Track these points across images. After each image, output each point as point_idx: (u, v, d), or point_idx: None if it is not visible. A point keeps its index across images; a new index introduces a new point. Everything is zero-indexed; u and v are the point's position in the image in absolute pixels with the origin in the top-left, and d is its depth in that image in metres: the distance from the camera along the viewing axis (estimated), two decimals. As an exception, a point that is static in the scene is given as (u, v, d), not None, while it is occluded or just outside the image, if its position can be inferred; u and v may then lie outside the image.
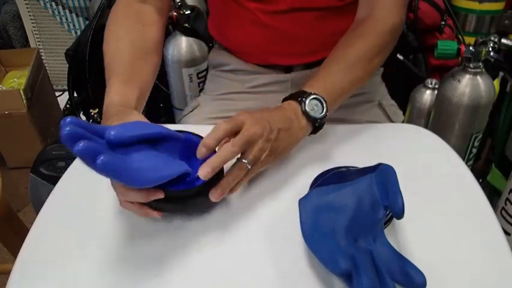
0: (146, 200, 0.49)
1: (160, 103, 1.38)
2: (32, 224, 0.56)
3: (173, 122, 1.30)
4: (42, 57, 2.00)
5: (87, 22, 2.03)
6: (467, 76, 0.98)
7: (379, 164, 0.52)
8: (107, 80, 0.62)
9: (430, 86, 1.12)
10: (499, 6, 1.45)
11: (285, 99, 0.62)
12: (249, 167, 0.53)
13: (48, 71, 1.96)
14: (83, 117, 1.51)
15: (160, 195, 0.49)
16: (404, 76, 1.22)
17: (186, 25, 1.16)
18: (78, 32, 2.07)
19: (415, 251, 0.50)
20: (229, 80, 0.86)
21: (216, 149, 0.53)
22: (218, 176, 0.51)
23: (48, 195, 0.60)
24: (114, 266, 0.50)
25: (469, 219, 0.55)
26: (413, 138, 0.70)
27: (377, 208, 0.49)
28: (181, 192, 0.51)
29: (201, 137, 0.54)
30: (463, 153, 1.07)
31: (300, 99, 0.60)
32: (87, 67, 1.35)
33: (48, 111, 1.88)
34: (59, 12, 2.04)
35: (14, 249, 1.00)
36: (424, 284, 0.43)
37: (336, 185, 0.51)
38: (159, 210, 0.52)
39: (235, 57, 0.84)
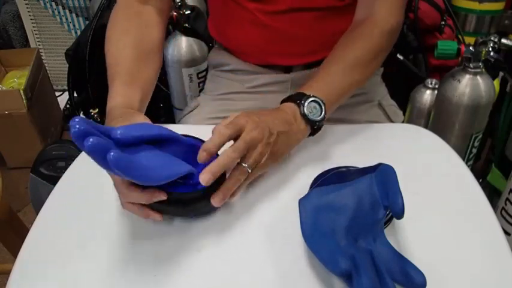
0: (148, 202, 0.49)
1: (160, 103, 1.38)
2: (32, 224, 0.56)
3: (173, 122, 1.30)
4: (42, 57, 2.00)
5: (87, 22, 2.03)
6: (467, 76, 0.98)
7: (379, 164, 0.52)
8: (109, 82, 0.62)
9: (430, 86, 1.12)
10: (499, 6, 1.45)
11: (283, 101, 0.62)
12: (249, 171, 0.53)
13: (48, 71, 1.96)
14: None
15: (163, 197, 0.49)
16: (404, 76, 1.22)
17: (186, 25, 1.16)
18: (78, 32, 2.07)
19: (415, 251, 0.50)
20: (229, 80, 0.86)
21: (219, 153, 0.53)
22: (220, 179, 0.52)
23: (48, 195, 0.60)
24: (114, 266, 0.50)
25: (469, 219, 0.55)
26: (413, 138, 0.70)
27: (377, 208, 0.49)
28: (184, 195, 0.51)
29: (204, 141, 0.54)
30: (463, 153, 1.07)
31: (298, 101, 0.60)
32: (87, 67, 1.35)
33: (48, 111, 1.89)
34: (59, 12, 2.04)
35: (14, 249, 1.00)
36: (424, 284, 0.43)
37: (336, 185, 0.51)
38: (160, 213, 0.52)
39: (235, 57, 0.84)
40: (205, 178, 0.48)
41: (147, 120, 0.54)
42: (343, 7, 0.73)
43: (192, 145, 0.54)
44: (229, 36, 0.83)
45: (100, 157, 0.40)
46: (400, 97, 0.95)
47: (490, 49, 0.98)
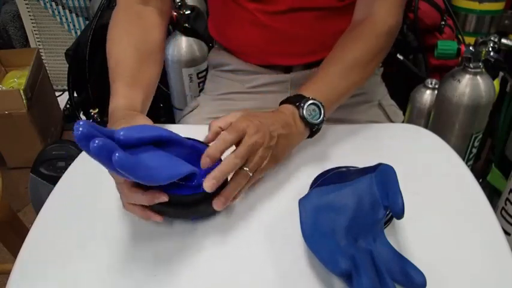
0: (150, 203, 0.49)
1: (160, 103, 1.38)
2: (32, 224, 0.56)
3: (173, 122, 1.30)
4: (42, 57, 2.00)
5: (87, 22, 2.03)
6: (467, 76, 0.98)
7: (379, 164, 0.52)
8: (111, 84, 0.62)
9: (430, 86, 1.12)
10: (499, 6, 1.45)
11: (282, 103, 0.62)
12: (251, 175, 0.54)
13: (48, 71, 1.97)
14: (83, 117, 1.51)
15: (165, 198, 0.49)
16: (404, 76, 1.22)
17: (186, 25, 1.16)
18: (78, 32, 2.07)
19: (415, 251, 0.50)
20: (229, 80, 0.86)
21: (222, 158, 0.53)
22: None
23: (48, 195, 0.60)
24: (114, 266, 0.50)
25: (469, 219, 0.55)
26: (413, 138, 0.70)
27: (377, 208, 0.49)
28: (185, 197, 0.51)
29: (206, 145, 0.55)
30: (463, 153, 1.07)
31: (298, 104, 0.60)
32: (87, 67, 1.35)
33: (48, 111, 1.89)
34: (59, 12, 2.04)
35: (14, 249, 1.00)
36: (424, 284, 0.43)
37: (336, 185, 0.51)
38: (161, 214, 0.52)
39: (235, 58, 0.84)
40: (209, 185, 0.49)
41: (149, 122, 0.55)
42: (344, 7, 0.73)
43: (193, 147, 0.55)
44: (229, 36, 0.83)
45: (106, 158, 0.40)
46: (400, 97, 0.95)
47: (490, 49, 0.98)
